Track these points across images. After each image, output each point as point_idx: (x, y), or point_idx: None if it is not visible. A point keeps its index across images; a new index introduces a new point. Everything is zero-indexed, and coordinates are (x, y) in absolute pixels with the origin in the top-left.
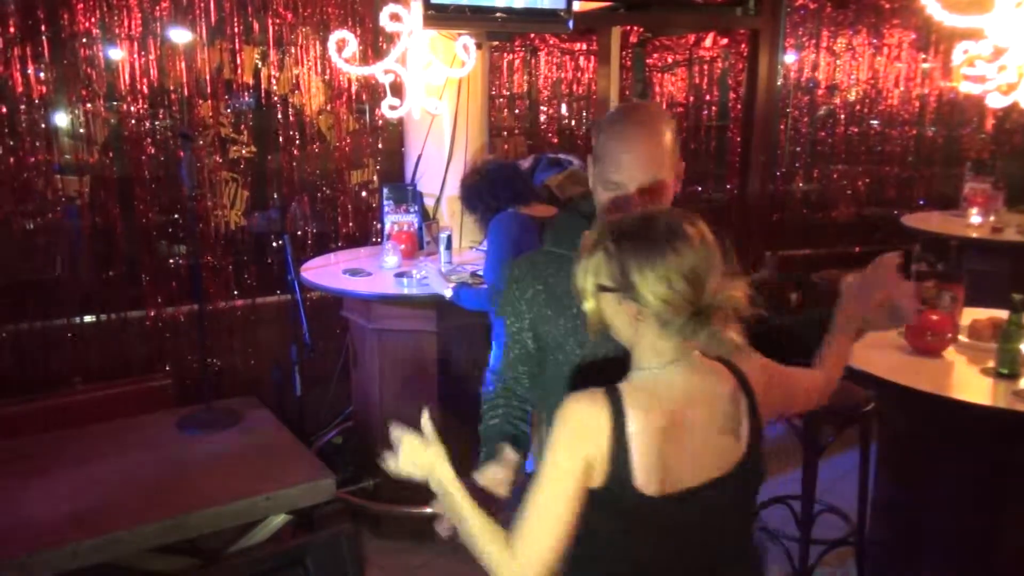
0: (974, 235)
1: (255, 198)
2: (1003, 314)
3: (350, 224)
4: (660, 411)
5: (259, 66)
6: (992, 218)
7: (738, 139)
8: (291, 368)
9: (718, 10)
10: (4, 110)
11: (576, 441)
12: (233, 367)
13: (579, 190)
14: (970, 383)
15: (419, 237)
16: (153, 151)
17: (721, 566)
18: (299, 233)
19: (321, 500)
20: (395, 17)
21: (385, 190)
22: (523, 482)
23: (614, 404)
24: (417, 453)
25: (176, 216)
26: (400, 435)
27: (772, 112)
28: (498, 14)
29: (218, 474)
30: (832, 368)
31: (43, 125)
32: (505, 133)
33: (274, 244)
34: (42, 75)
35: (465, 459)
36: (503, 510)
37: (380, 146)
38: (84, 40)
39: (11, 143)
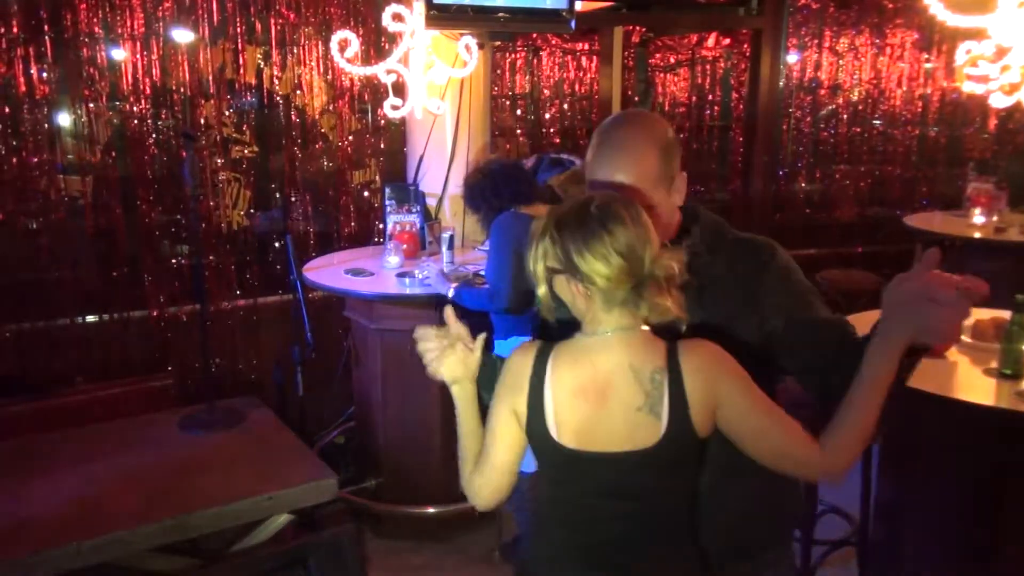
0: (977, 235)
1: (257, 198)
2: (1006, 314)
3: (352, 224)
4: (582, 372)
5: (261, 66)
6: (995, 218)
7: (740, 139)
8: (293, 368)
9: (720, 10)
10: (7, 110)
11: (504, 389)
12: (235, 367)
13: (581, 190)
14: (973, 383)
15: (421, 237)
16: (156, 151)
17: (646, 544)
18: (301, 233)
19: (323, 500)
20: (397, 17)
21: (387, 190)
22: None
23: (540, 356)
24: (450, 360)
25: (178, 216)
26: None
27: (775, 112)
28: (500, 14)
29: (220, 474)
30: (843, 445)
31: (46, 125)
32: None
33: (276, 244)
34: (45, 75)
35: None
36: None
37: (382, 146)
38: (87, 40)
39: (14, 143)
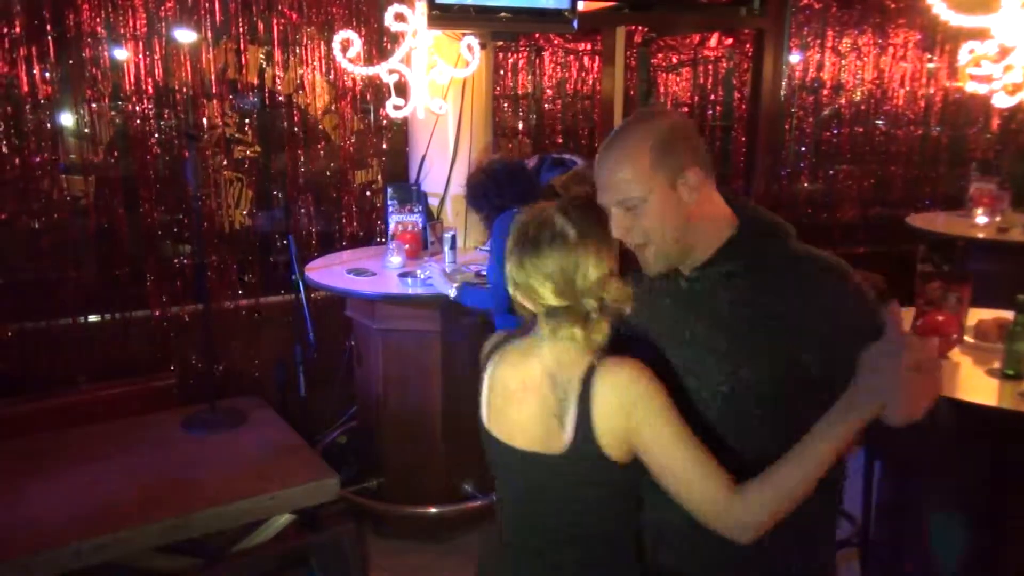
0: (980, 235)
1: (260, 198)
2: (1009, 315)
3: (354, 224)
4: (516, 369)
5: (264, 66)
6: (998, 218)
7: (743, 139)
8: (295, 368)
9: (723, 10)
10: (10, 110)
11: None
12: (237, 367)
13: (583, 190)
14: (976, 384)
15: (423, 237)
16: (158, 151)
17: (547, 545)
18: (303, 233)
19: (325, 500)
20: (400, 17)
21: (389, 190)
22: None
23: (496, 346)
24: None
25: (181, 216)
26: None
27: (777, 112)
28: (502, 14)
29: (222, 474)
30: (762, 502)
31: (49, 125)
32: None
33: (279, 244)
34: (47, 75)
35: (469, 460)
36: None
37: (384, 146)
38: (89, 40)
39: (17, 143)
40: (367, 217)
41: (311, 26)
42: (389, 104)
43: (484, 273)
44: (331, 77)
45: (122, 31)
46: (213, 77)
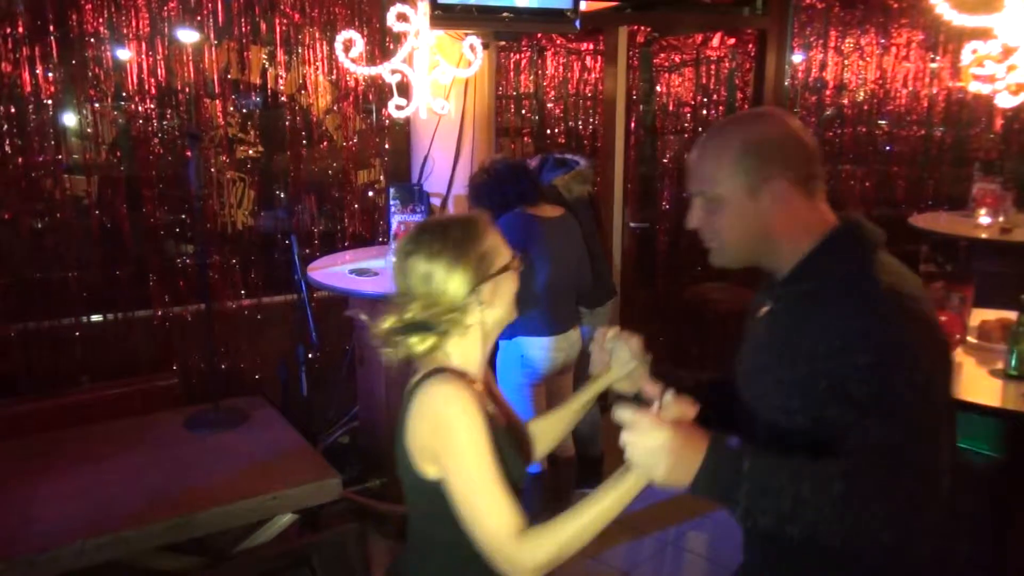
0: (983, 236)
1: (262, 198)
2: (1012, 315)
3: (357, 224)
4: None
5: (266, 66)
6: (1001, 218)
7: None
8: (298, 368)
9: (725, 10)
10: (13, 110)
11: None
12: (240, 367)
13: (585, 189)
14: (979, 384)
15: None
16: (161, 151)
17: (410, 547)
18: (305, 233)
19: (327, 500)
20: (402, 17)
21: (392, 190)
22: None
23: None
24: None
25: (183, 216)
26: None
27: None
28: (505, 14)
29: (225, 473)
30: (544, 544)
31: (51, 125)
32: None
33: (282, 244)
34: (50, 75)
35: None
36: None
37: (387, 146)
38: (92, 40)
39: (19, 142)
40: (369, 217)
41: (313, 26)
42: (391, 104)
43: None
44: (333, 77)
45: (125, 31)
46: (216, 77)
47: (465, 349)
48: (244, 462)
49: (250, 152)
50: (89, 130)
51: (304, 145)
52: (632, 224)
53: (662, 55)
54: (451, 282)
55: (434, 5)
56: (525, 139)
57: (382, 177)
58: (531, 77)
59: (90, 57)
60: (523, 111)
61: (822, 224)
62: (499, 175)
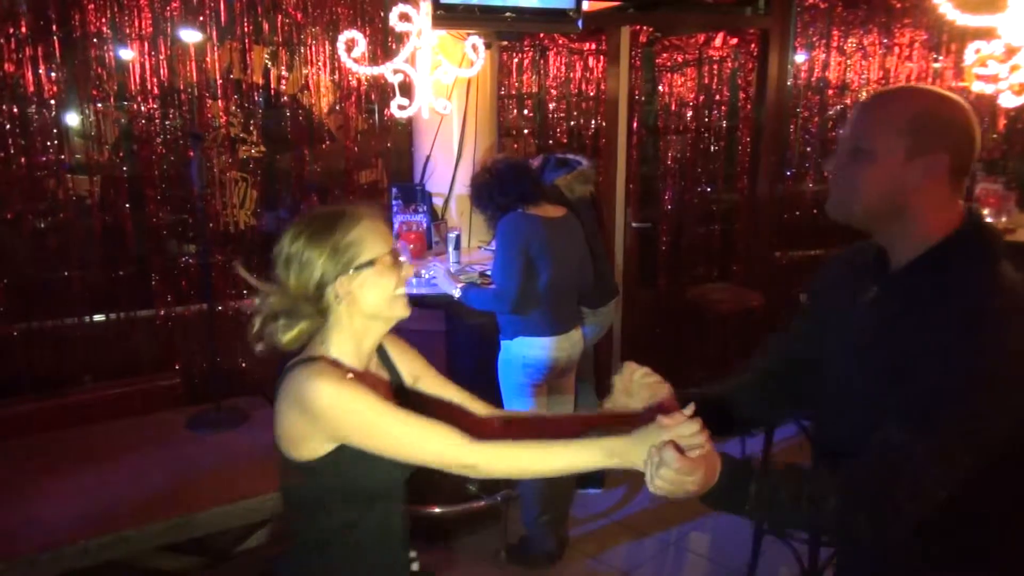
0: None
1: (264, 198)
2: None
3: None
4: None
5: (269, 66)
6: (1004, 218)
7: (748, 139)
8: None
9: (728, 10)
10: (16, 109)
11: None
12: (242, 367)
13: (587, 189)
14: None
15: (428, 237)
16: (163, 151)
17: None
18: None
19: None
20: (404, 17)
21: (394, 190)
22: None
23: None
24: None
25: (186, 215)
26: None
27: (782, 112)
28: (507, 14)
29: (227, 473)
30: (499, 455)
31: (54, 125)
32: (514, 132)
33: None
34: (53, 75)
35: None
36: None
37: (389, 146)
38: (95, 40)
39: (22, 142)
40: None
41: (316, 26)
42: (394, 104)
43: (488, 274)
44: (336, 77)
45: (127, 31)
46: (218, 77)
47: (339, 341)
48: (245, 462)
49: (252, 152)
50: (92, 130)
51: (306, 145)
52: (634, 224)
53: (664, 55)
54: (306, 270)
55: (436, 5)
56: (527, 139)
57: (384, 177)
58: (533, 77)
59: (93, 57)
60: (525, 111)
61: (953, 219)
62: (501, 175)
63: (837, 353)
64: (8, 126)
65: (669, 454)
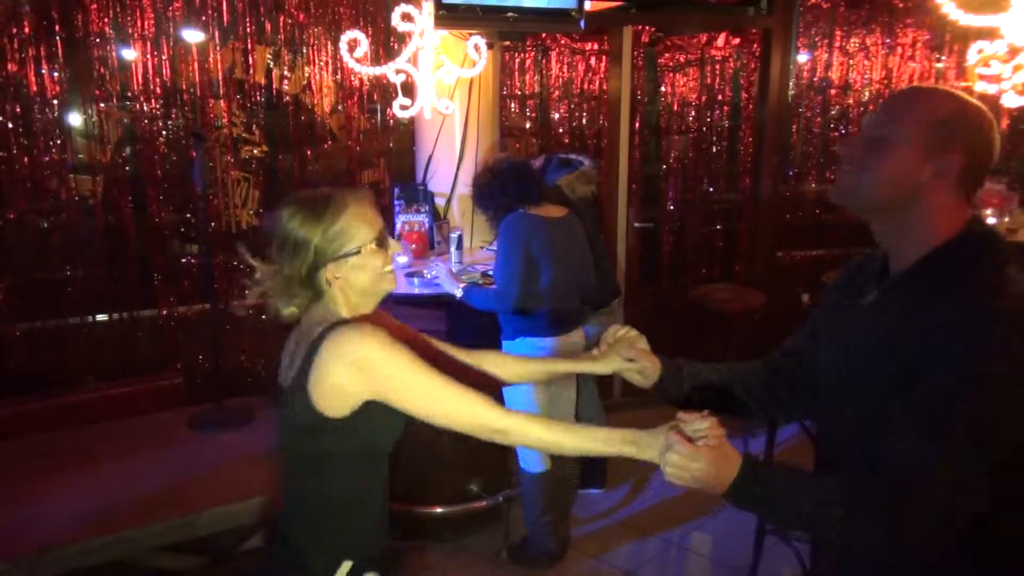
0: None
1: (267, 198)
2: None
3: None
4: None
5: (271, 66)
6: (1007, 219)
7: (750, 139)
8: None
9: (730, 10)
10: (19, 109)
11: None
12: (244, 366)
13: (589, 189)
14: None
15: (430, 237)
16: (166, 151)
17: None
18: None
19: None
20: (407, 17)
21: (396, 190)
22: None
23: None
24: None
25: (188, 215)
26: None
27: (784, 112)
28: (509, 14)
29: (229, 472)
30: (530, 428)
31: (57, 125)
32: (517, 132)
33: None
34: (56, 75)
35: (476, 461)
36: None
37: (391, 146)
38: (98, 40)
39: (25, 142)
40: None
41: (318, 26)
42: (396, 104)
43: (491, 273)
44: (338, 77)
45: (130, 31)
46: (220, 77)
47: (335, 311)
48: (247, 461)
49: (255, 152)
50: (94, 130)
51: (309, 145)
52: (636, 224)
53: (666, 55)
54: (298, 256)
55: (439, 5)
56: (529, 139)
57: (386, 177)
58: (535, 77)
59: (95, 57)
60: (527, 111)
61: (957, 223)
62: (503, 175)
63: (837, 356)
64: (11, 126)
65: (673, 438)
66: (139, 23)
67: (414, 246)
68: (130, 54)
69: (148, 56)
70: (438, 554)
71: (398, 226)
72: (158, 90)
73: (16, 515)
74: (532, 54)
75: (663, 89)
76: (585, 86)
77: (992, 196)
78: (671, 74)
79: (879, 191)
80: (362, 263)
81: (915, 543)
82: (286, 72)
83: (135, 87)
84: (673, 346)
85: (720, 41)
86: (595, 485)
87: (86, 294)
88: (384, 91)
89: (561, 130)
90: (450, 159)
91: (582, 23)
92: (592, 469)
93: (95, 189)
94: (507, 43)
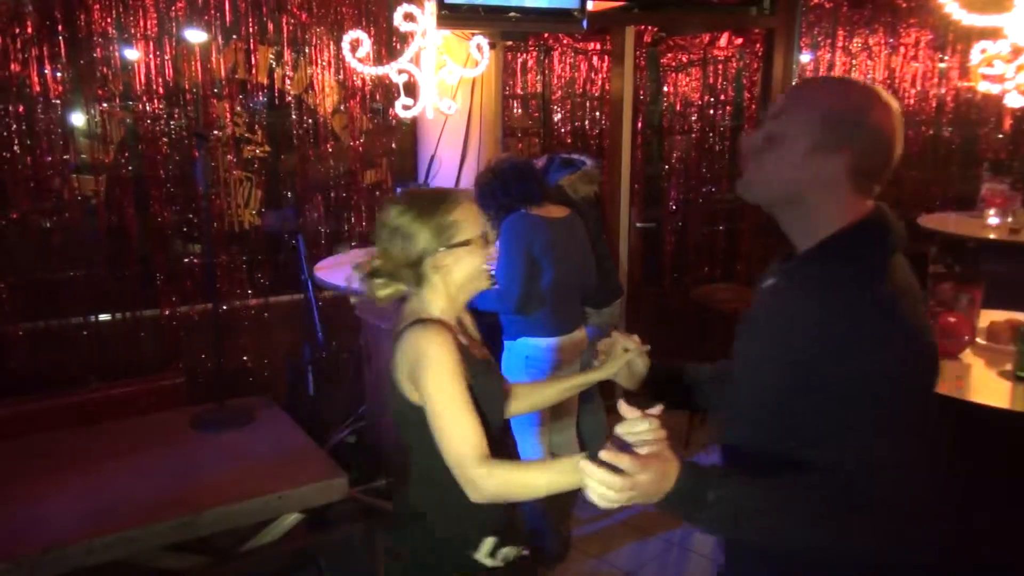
0: (992, 236)
1: (269, 197)
2: (1021, 316)
3: (363, 223)
4: None
5: (273, 66)
6: (1010, 219)
7: None
8: (304, 367)
9: (733, 9)
10: (21, 109)
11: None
12: (246, 366)
13: (591, 189)
14: (988, 386)
15: None
16: (168, 151)
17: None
18: (312, 232)
19: (334, 499)
20: (409, 17)
21: (398, 190)
22: None
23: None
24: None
25: (191, 215)
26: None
27: None
28: (512, 14)
29: (231, 473)
30: (506, 481)
31: (59, 125)
32: (519, 132)
33: (289, 243)
34: (59, 75)
35: None
36: None
37: (394, 146)
38: (100, 40)
39: (28, 142)
40: (376, 217)
41: (321, 26)
42: (398, 104)
43: (493, 273)
44: (340, 77)
45: (133, 31)
46: (223, 77)
47: (436, 304)
48: (250, 461)
49: (257, 152)
50: (97, 130)
51: (311, 145)
52: (638, 224)
53: (669, 55)
54: (409, 241)
55: (441, 5)
56: (532, 139)
57: (389, 177)
58: (538, 77)
59: (98, 57)
60: (530, 111)
61: (852, 217)
62: (505, 175)
63: (744, 341)
64: (14, 126)
65: (588, 467)
66: (142, 23)
67: None
68: (133, 54)
69: (151, 56)
70: None
71: None
72: (161, 90)
73: (17, 515)
74: (534, 54)
75: (665, 89)
76: (587, 86)
77: (995, 196)
78: (674, 74)
79: (771, 187)
80: (467, 256)
81: (866, 539)
82: (289, 72)
83: (138, 87)
84: (674, 346)
85: (723, 41)
86: None
87: (88, 294)
88: (387, 91)
89: (563, 130)
90: (452, 159)
91: (584, 23)
92: None
93: (97, 189)
94: (509, 43)
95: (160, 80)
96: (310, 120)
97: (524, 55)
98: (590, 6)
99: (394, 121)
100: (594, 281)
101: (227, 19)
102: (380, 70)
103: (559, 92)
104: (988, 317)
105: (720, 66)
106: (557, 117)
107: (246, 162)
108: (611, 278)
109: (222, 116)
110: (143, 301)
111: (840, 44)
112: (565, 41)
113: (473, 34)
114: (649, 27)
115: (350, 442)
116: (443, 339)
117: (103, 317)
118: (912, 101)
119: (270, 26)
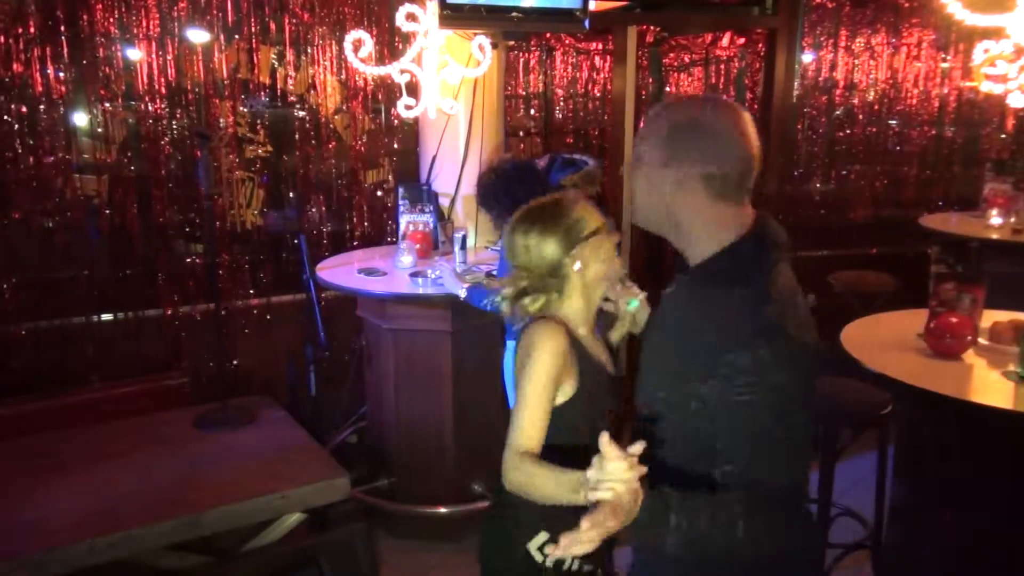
0: (994, 236)
1: (271, 197)
2: None
3: (365, 224)
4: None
5: (275, 66)
6: (1013, 219)
7: None
8: (306, 367)
9: (735, 9)
10: (24, 109)
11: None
12: (249, 366)
13: (593, 190)
14: (990, 386)
15: (434, 237)
16: (170, 150)
17: None
18: (314, 232)
19: (335, 499)
20: (411, 17)
21: (400, 190)
22: None
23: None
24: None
25: (193, 215)
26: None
27: (789, 112)
28: (514, 14)
29: (233, 472)
30: (525, 472)
31: (62, 125)
32: (521, 132)
33: (291, 243)
34: (61, 75)
35: (479, 460)
36: None
37: (396, 146)
38: (103, 40)
39: (30, 142)
40: (378, 217)
41: (323, 26)
42: (400, 104)
43: (495, 274)
44: (342, 77)
45: (135, 31)
46: (225, 77)
47: (572, 303)
48: (252, 461)
49: (259, 152)
50: (99, 130)
51: (313, 145)
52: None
53: (671, 55)
54: (546, 250)
55: (443, 5)
56: (534, 139)
57: (391, 177)
58: (540, 77)
59: (100, 57)
60: (532, 111)
61: (729, 232)
62: (507, 175)
63: (646, 343)
64: (16, 126)
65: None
66: (144, 23)
67: (418, 246)
68: (135, 54)
69: (153, 56)
70: (443, 553)
71: (402, 226)
72: (163, 90)
73: (20, 514)
74: (536, 54)
75: (668, 89)
76: (589, 86)
77: (998, 196)
78: (676, 74)
79: (643, 211)
80: (599, 244)
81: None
82: (291, 72)
83: (140, 87)
84: None
85: (725, 41)
86: None
87: (91, 294)
88: (388, 91)
89: (565, 130)
90: (454, 159)
91: (586, 23)
92: None
93: (100, 189)
94: (512, 43)
95: (162, 80)
96: (312, 120)
97: (526, 55)
98: (592, 6)
99: (396, 121)
100: None
101: (229, 19)
102: (382, 70)
103: (561, 92)
104: (991, 317)
105: (722, 66)
106: (559, 117)
107: (248, 162)
108: None
109: (224, 116)
110: (145, 301)
111: (842, 44)
112: (567, 41)
113: (475, 34)
114: (651, 27)
115: (351, 442)
116: (554, 341)
117: (105, 317)
118: (914, 101)
119: (272, 26)
